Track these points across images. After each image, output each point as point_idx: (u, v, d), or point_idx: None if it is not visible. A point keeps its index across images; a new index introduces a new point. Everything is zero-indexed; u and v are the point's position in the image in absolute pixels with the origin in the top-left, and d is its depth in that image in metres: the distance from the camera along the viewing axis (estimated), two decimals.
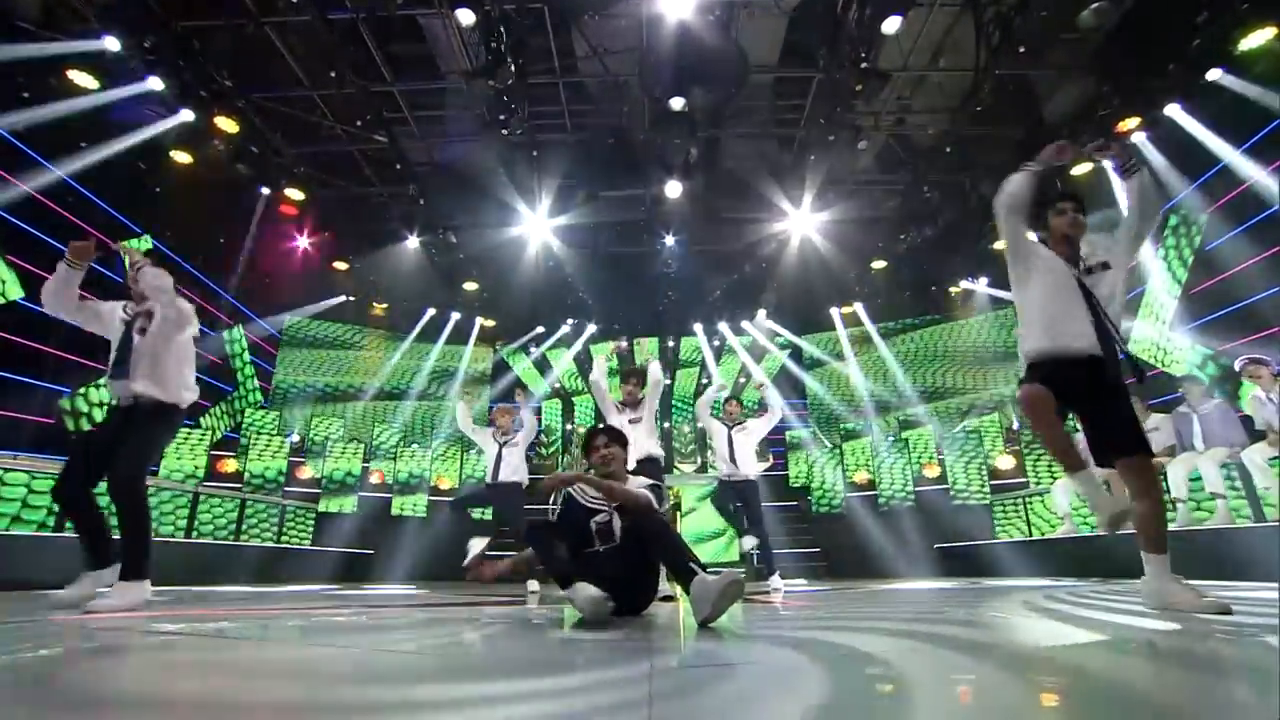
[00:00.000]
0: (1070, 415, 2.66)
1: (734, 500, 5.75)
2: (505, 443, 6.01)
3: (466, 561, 2.97)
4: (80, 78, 6.82)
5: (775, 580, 5.58)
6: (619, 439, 3.04)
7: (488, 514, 7.27)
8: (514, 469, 5.90)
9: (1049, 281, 2.61)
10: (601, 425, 3.16)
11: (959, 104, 8.17)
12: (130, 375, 3.06)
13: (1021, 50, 7.03)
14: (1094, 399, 2.49)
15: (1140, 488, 2.39)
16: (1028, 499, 7.79)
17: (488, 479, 5.96)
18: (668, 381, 5.76)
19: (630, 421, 4.84)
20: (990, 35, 7.15)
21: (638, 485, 2.81)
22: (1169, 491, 5.62)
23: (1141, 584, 2.47)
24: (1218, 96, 6.62)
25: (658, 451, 4.85)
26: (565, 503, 2.91)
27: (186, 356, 3.28)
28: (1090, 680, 1.18)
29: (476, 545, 5.26)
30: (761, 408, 6.36)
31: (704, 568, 2.39)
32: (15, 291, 6.34)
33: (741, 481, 5.75)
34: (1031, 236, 2.76)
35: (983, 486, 8.69)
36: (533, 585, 5.49)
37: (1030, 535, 7.48)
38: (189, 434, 8.32)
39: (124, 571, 2.93)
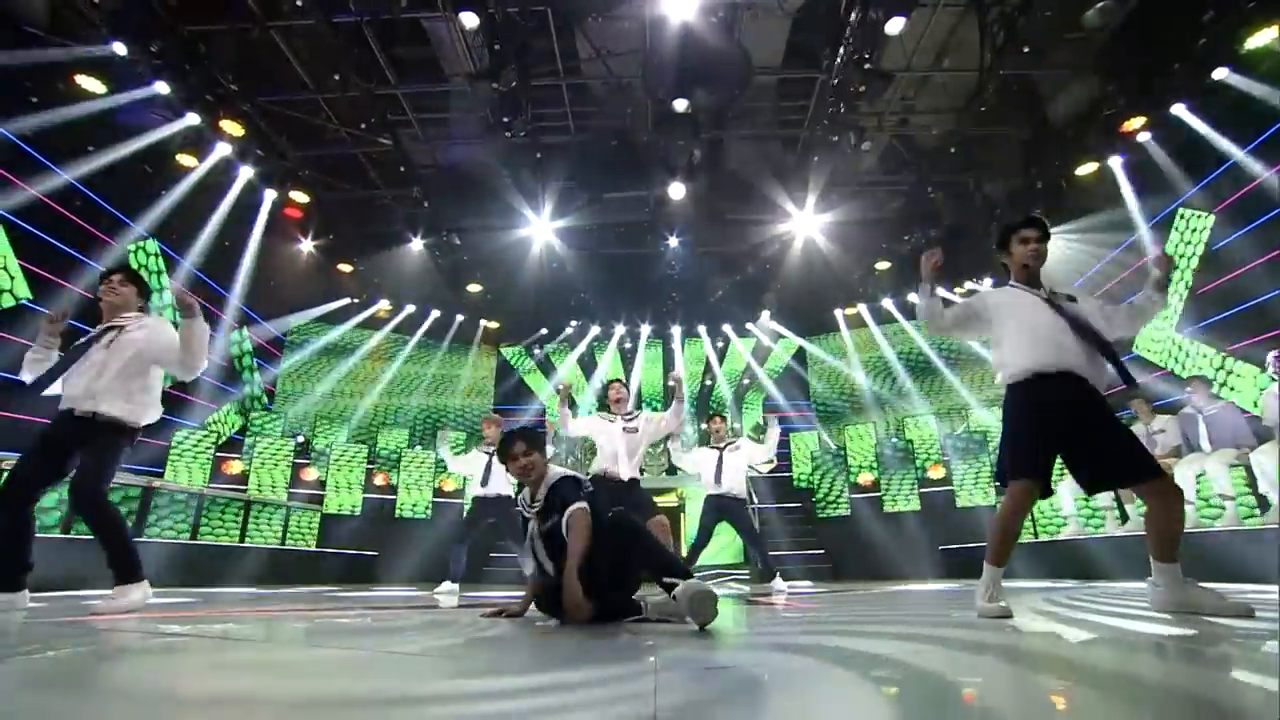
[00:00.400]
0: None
1: (718, 517, 5.63)
2: (493, 453, 5.67)
3: (486, 614, 2.89)
4: (87, 82, 6.88)
5: (778, 583, 5.58)
6: (536, 442, 2.89)
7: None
8: (504, 480, 5.67)
9: (1017, 312, 2.62)
10: (515, 430, 2.96)
11: (963, 104, 8.15)
12: (93, 390, 2.97)
13: (1026, 50, 7.00)
14: (1088, 426, 2.43)
15: (1165, 506, 2.36)
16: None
17: (475, 489, 5.75)
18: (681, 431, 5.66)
19: (625, 431, 4.93)
20: (994, 35, 7.13)
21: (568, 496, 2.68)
22: None
23: (1150, 590, 2.45)
24: (1224, 96, 6.58)
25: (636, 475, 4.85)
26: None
27: (155, 377, 3.20)
28: (1106, 682, 1.17)
29: (447, 598, 5.20)
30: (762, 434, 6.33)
31: (687, 575, 2.35)
32: (23, 292, 6.38)
33: (729, 499, 5.64)
34: (974, 296, 2.83)
35: (985, 487, 8.65)
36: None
37: (1036, 536, 7.44)
38: (195, 435, 8.36)
39: (119, 576, 2.94)
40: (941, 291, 2.67)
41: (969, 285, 11.25)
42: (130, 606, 2.85)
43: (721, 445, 5.77)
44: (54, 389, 3.06)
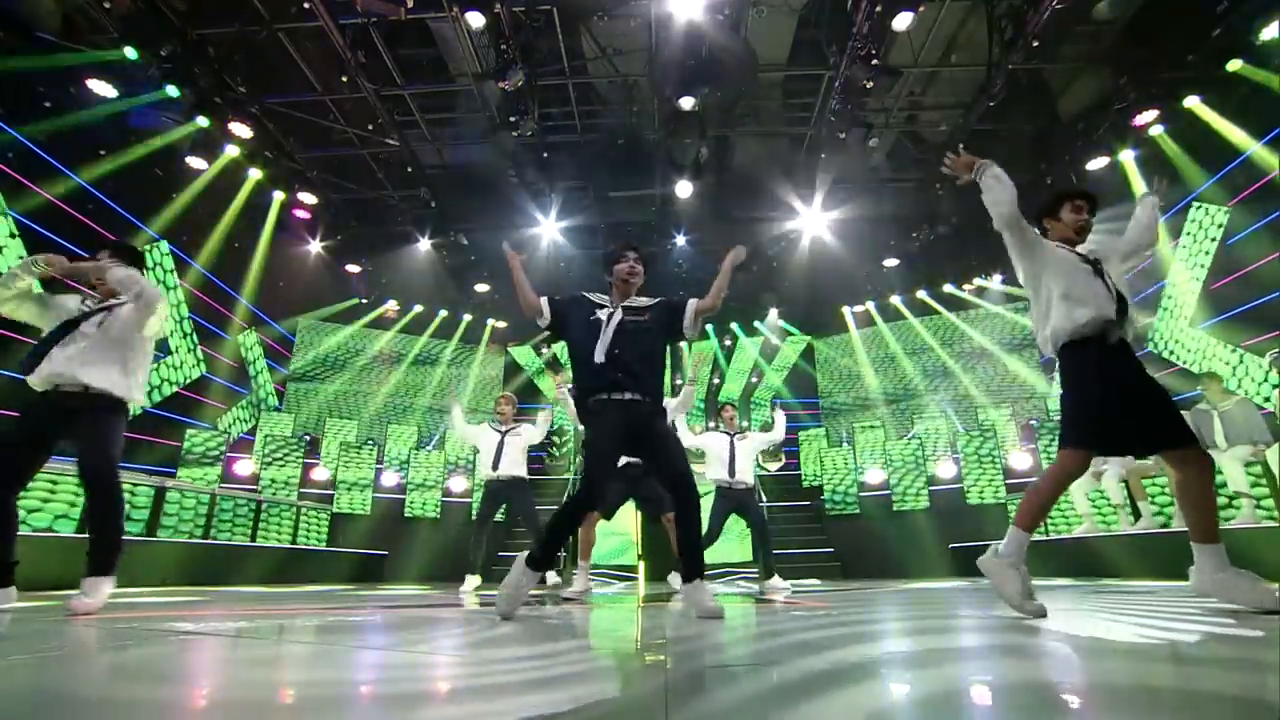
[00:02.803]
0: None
1: (731, 510, 5.46)
2: (508, 432, 5.64)
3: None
4: (99, 86, 6.95)
5: (776, 581, 5.47)
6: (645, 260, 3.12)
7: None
8: (515, 461, 5.54)
9: (1065, 270, 2.54)
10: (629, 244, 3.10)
11: (971, 100, 8.08)
12: (78, 365, 2.86)
13: (1035, 44, 6.94)
14: (1134, 382, 2.37)
15: (1199, 476, 2.28)
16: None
17: (485, 472, 5.57)
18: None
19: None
20: (1003, 29, 7.06)
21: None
22: None
23: (1193, 576, 2.40)
24: (1238, 88, 6.49)
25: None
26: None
27: (145, 356, 3.11)
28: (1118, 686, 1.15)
29: (471, 583, 5.18)
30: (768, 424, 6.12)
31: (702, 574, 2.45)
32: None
33: (741, 489, 5.50)
34: (1035, 233, 2.72)
35: (997, 485, 8.58)
36: (551, 577, 5.43)
37: (1047, 535, 7.37)
38: (205, 436, 8.43)
39: (100, 568, 2.78)
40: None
41: (978, 282, 11.17)
42: (104, 602, 2.77)
43: (733, 433, 5.62)
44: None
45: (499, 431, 5.64)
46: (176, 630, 2.14)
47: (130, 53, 6.76)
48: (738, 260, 3.02)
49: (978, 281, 11.16)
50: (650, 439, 2.76)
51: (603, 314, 2.95)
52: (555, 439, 13.02)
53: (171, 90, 7.20)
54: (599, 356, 2.79)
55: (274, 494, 8.41)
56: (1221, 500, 5.35)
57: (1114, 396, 2.35)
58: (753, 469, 5.67)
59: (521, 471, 5.58)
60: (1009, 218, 2.59)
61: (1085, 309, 2.43)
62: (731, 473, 5.47)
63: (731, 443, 5.55)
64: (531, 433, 5.75)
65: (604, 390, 2.75)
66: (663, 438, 2.77)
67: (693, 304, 2.98)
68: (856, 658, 1.47)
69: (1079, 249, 2.61)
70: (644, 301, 3.06)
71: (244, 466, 8.50)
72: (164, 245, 8.23)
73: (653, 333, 2.93)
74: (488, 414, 13.06)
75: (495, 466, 5.49)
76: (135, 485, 6.19)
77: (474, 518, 5.84)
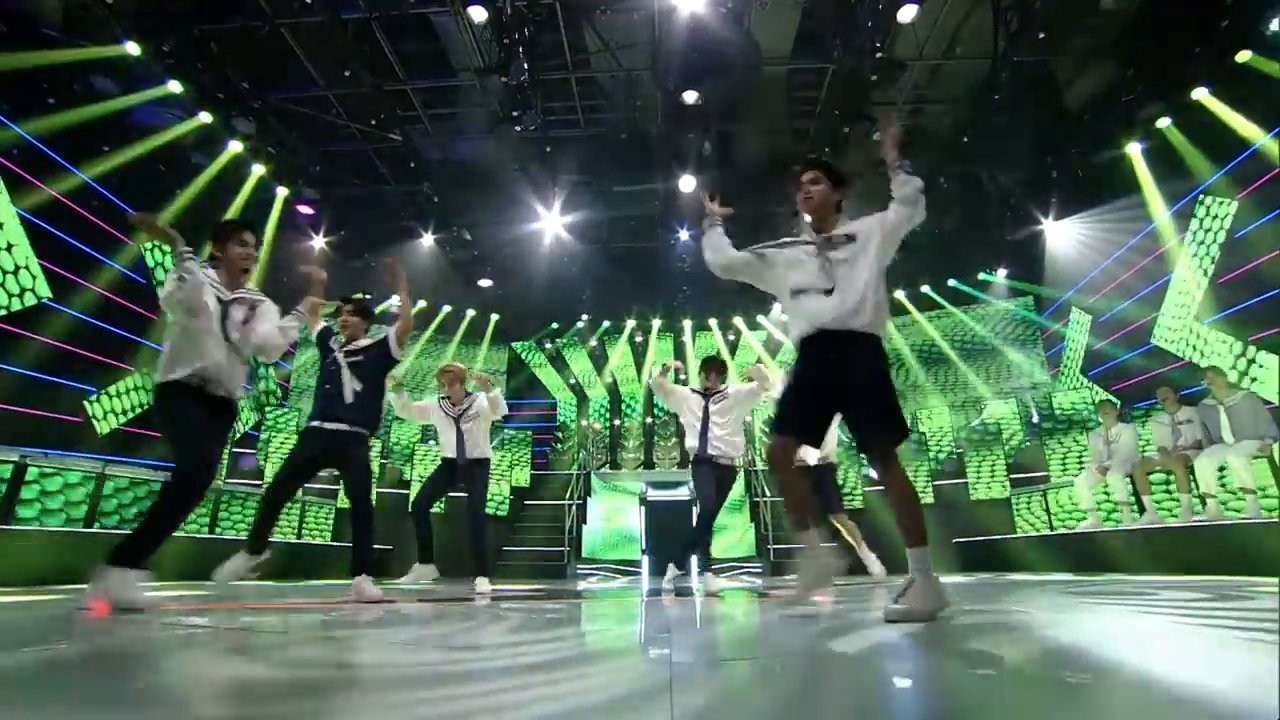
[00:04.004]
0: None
1: (709, 487, 4.60)
2: (461, 416, 4.92)
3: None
4: (102, 82, 6.95)
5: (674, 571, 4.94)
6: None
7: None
8: (479, 446, 4.93)
9: (786, 270, 2.47)
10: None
11: (977, 93, 8.02)
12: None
13: (1041, 36, 6.88)
14: (851, 383, 2.27)
15: (884, 477, 2.27)
16: (1048, 492, 7.67)
17: (450, 454, 4.92)
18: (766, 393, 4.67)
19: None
20: (1009, 21, 7.01)
21: None
22: (1197, 486, 5.48)
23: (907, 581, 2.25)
24: (1247, 79, 6.41)
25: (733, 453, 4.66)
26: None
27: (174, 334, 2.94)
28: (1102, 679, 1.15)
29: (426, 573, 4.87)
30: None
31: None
32: (44, 291, 6.47)
33: (724, 464, 4.61)
34: (749, 255, 2.63)
35: (1002, 480, 8.56)
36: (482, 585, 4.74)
37: (1052, 529, 7.36)
38: None
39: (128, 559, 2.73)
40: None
41: (983, 276, 11.11)
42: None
43: (707, 391, 4.69)
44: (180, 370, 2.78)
45: (452, 417, 4.94)
46: (187, 625, 2.16)
47: (133, 48, 6.76)
48: None
49: (983, 275, 11.10)
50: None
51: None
52: (559, 435, 13.04)
53: (174, 86, 7.20)
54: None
55: None
56: (1226, 496, 5.32)
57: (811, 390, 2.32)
58: (740, 440, 4.78)
59: (487, 454, 5.02)
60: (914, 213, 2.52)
61: (802, 319, 2.38)
62: (704, 441, 4.59)
63: (705, 404, 4.64)
64: (486, 409, 5.01)
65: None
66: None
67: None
68: (857, 650, 1.46)
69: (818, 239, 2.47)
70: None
71: (248, 462, 8.54)
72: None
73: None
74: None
75: (461, 452, 4.86)
76: (142, 481, 6.22)
77: (415, 499, 5.04)
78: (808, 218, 2.54)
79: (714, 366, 4.81)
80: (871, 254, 2.37)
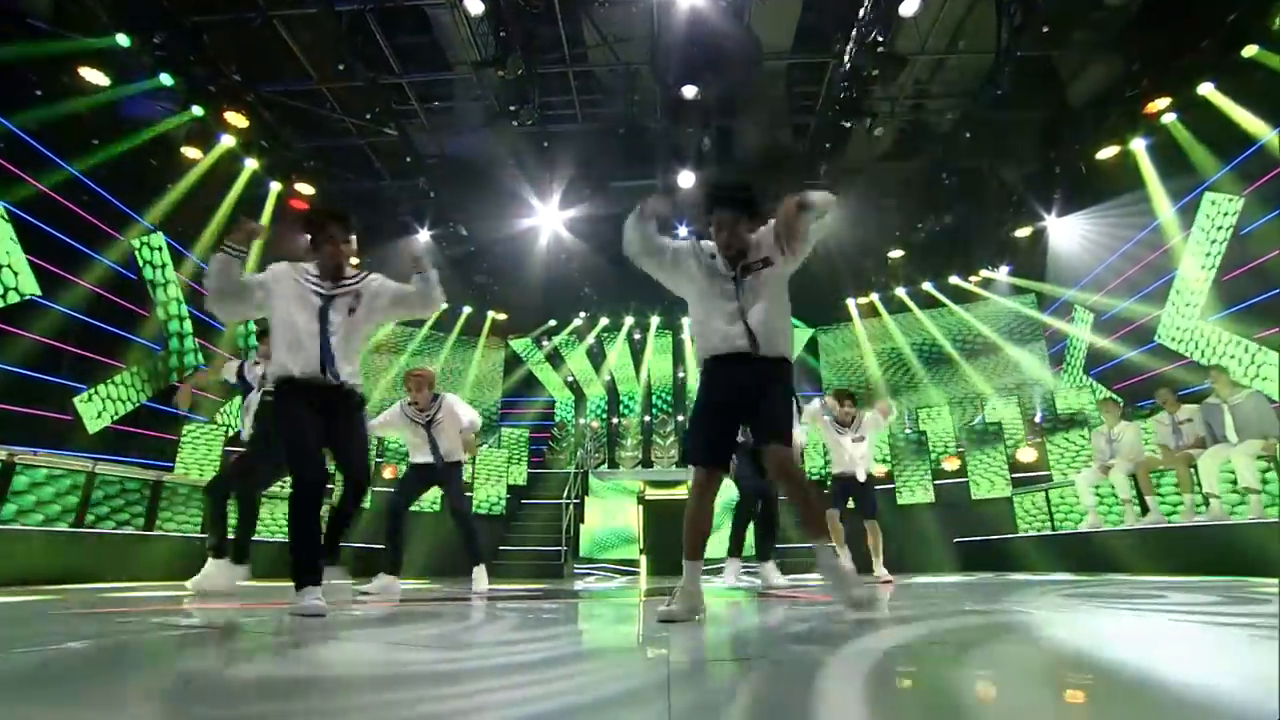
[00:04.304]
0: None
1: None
2: (430, 423, 4.71)
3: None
4: (91, 75, 6.82)
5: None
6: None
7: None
8: (450, 451, 4.79)
9: (696, 291, 2.51)
10: None
11: (979, 87, 7.94)
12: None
13: (1045, 30, 6.81)
14: (754, 393, 2.36)
15: (776, 476, 2.39)
16: (1049, 491, 7.62)
17: (422, 459, 4.75)
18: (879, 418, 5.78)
19: (853, 441, 5.52)
20: (1012, 15, 6.92)
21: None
22: (1200, 485, 5.43)
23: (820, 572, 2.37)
24: (1254, 74, 6.34)
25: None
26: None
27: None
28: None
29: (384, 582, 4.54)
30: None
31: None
32: (31, 288, 6.36)
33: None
34: (671, 242, 2.62)
35: (1003, 479, 8.50)
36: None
37: (1054, 529, 7.30)
38: (203, 429, 8.36)
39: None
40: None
41: (984, 273, 11.04)
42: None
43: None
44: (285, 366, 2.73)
45: (420, 424, 4.75)
46: (178, 625, 2.10)
47: (123, 40, 6.65)
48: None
49: (984, 273, 11.02)
50: None
51: None
52: (556, 433, 12.96)
53: (165, 78, 7.10)
54: None
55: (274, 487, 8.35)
56: (1234, 496, 5.26)
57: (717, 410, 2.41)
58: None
59: (460, 456, 4.88)
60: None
61: (714, 341, 2.43)
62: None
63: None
64: (456, 412, 4.83)
65: None
66: None
67: None
68: (857, 650, 1.45)
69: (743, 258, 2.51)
70: None
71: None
72: (160, 236, 8.13)
73: None
74: (484, 409, 12.99)
75: (438, 457, 4.73)
76: (131, 479, 6.13)
77: (391, 507, 4.86)
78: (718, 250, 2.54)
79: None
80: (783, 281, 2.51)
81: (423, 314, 3.08)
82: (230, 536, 4.30)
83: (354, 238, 2.94)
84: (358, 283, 2.89)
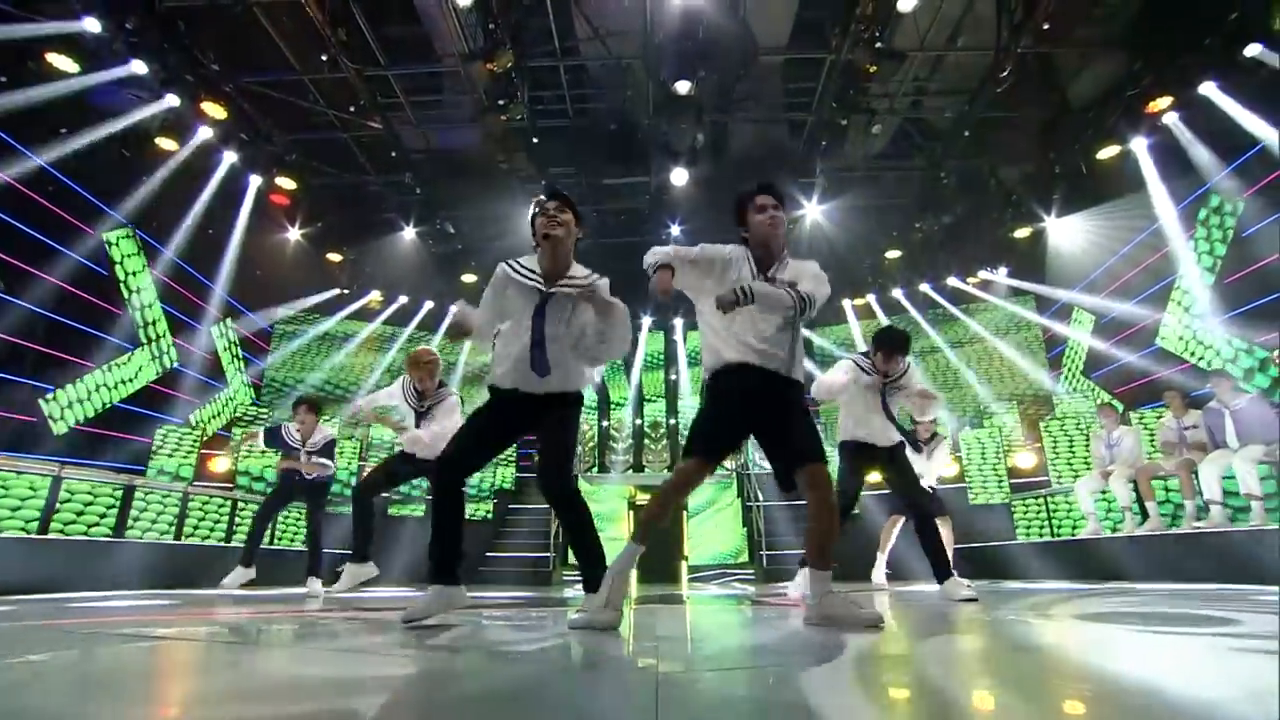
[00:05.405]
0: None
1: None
2: (426, 412, 4.49)
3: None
4: (59, 60, 6.53)
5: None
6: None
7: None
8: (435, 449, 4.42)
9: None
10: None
11: (978, 85, 7.83)
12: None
13: (1046, 27, 6.70)
14: (774, 410, 2.37)
15: (815, 498, 2.29)
16: (1049, 498, 7.51)
17: (412, 448, 4.49)
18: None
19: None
20: (1012, 11, 6.83)
21: None
22: (1201, 492, 5.34)
23: (810, 599, 2.31)
24: (1256, 73, 6.25)
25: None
26: None
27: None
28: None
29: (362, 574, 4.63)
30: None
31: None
32: None
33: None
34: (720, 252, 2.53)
35: (1001, 485, 8.38)
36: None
37: (1055, 536, 7.19)
38: (178, 432, 8.07)
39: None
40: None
41: (982, 275, 10.94)
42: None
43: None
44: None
45: (417, 409, 4.52)
46: (147, 635, 2.02)
47: (93, 24, 6.36)
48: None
49: (983, 274, 10.92)
50: None
51: None
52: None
53: (138, 66, 6.81)
54: None
55: (249, 492, 8.08)
56: (1240, 502, 5.16)
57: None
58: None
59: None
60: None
61: (737, 351, 2.42)
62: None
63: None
64: (454, 405, 4.55)
65: None
66: None
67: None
68: (854, 656, 1.46)
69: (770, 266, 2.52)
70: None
71: (218, 464, 8.16)
72: (132, 231, 7.84)
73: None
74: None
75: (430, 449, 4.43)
76: (105, 483, 5.86)
77: (360, 484, 4.62)
78: (751, 250, 2.51)
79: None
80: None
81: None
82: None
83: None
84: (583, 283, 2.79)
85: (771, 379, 2.34)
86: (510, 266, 2.61)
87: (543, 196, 2.64)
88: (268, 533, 5.58)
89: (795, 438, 2.32)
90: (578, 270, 2.65)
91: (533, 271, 2.58)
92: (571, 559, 9.20)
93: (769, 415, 2.36)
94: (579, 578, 2.66)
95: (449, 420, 4.45)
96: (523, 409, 2.51)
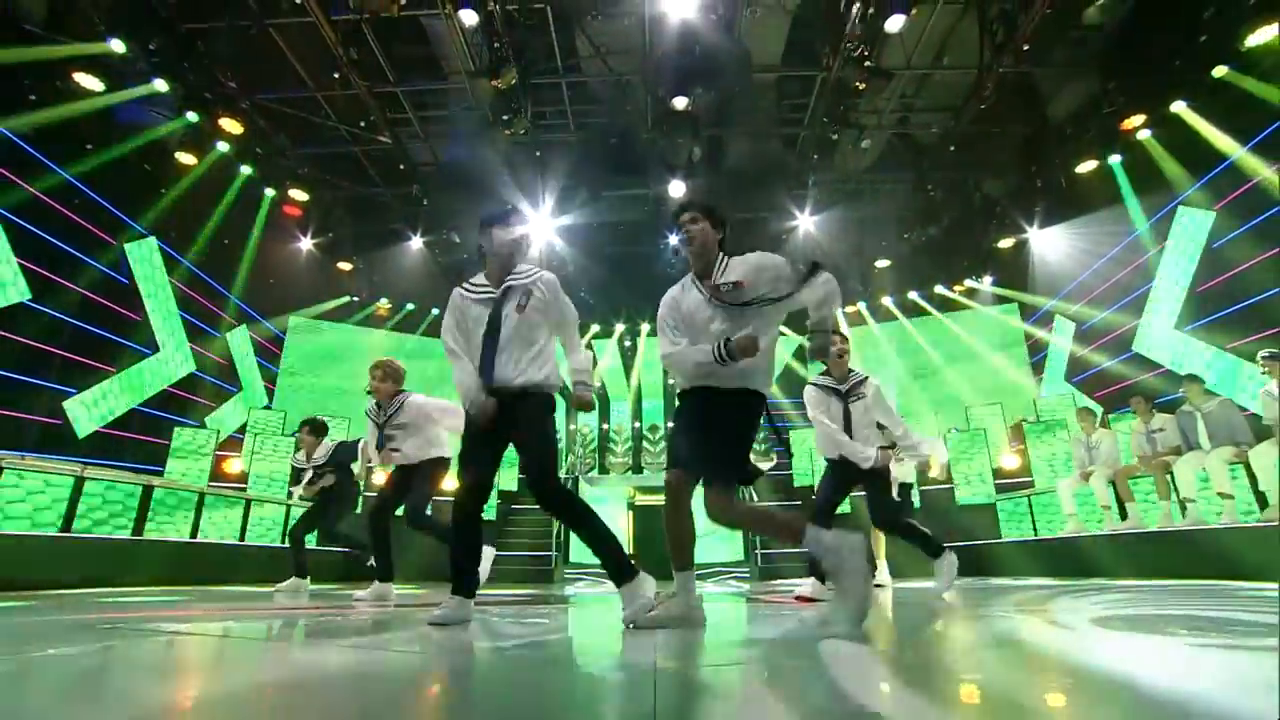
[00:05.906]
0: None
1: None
2: (385, 423, 4.16)
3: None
4: (86, 80, 6.85)
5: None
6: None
7: None
8: (429, 446, 4.30)
9: (685, 328, 2.49)
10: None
11: (963, 102, 8.14)
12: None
13: (1026, 48, 7.00)
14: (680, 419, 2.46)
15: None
16: (1032, 498, 7.75)
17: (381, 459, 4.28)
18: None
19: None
20: (994, 33, 7.12)
21: None
22: (1178, 492, 5.57)
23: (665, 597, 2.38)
24: (1224, 93, 6.56)
25: None
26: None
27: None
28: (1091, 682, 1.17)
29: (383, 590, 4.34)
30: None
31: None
32: (21, 292, 6.35)
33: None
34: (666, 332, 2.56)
35: (987, 485, 8.62)
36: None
37: (1036, 534, 7.43)
38: (194, 434, 8.34)
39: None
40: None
41: (968, 283, 11.23)
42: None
43: (843, 386, 4.07)
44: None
45: (377, 423, 4.21)
46: (164, 630, 2.12)
47: (118, 46, 6.68)
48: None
49: (968, 283, 11.22)
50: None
51: None
52: (578, 436, 12.92)
53: (160, 84, 7.12)
54: None
55: (263, 491, 8.33)
56: (1214, 501, 5.39)
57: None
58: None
59: (430, 452, 4.25)
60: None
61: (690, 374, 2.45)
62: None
63: (845, 404, 4.10)
64: (427, 411, 4.23)
65: None
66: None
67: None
68: (848, 654, 1.48)
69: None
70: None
71: (233, 465, 8.42)
72: (152, 241, 8.13)
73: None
74: None
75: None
76: (123, 483, 6.11)
77: (372, 515, 4.35)
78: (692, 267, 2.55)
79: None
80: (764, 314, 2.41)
81: None
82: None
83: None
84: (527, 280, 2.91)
85: (684, 394, 2.44)
86: (463, 289, 2.79)
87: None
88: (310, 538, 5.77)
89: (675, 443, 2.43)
90: (523, 267, 2.82)
91: (482, 285, 2.77)
92: (573, 558, 9.47)
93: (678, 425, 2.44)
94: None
95: (428, 407, 4.24)
96: (501, 407, 2.59)
